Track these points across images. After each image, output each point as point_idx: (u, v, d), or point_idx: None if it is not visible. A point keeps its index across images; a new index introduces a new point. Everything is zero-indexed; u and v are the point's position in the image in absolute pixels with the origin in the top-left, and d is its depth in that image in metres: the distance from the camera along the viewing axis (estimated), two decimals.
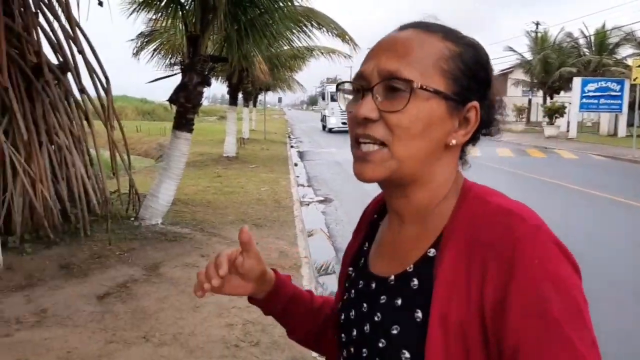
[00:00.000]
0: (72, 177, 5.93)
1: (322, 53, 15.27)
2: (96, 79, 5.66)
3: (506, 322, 0.63)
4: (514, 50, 36.77)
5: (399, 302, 0.75)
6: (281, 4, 6.28)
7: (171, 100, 6.26)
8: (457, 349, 0.67)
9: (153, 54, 10.78)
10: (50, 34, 5.65)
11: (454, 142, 0.75)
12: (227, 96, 16.74)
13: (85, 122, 6.24)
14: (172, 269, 5.13)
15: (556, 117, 26.98)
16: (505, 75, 43.90)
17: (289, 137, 27.94)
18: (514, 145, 21.31)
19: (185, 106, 6.26)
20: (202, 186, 10.19)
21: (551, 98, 33.92)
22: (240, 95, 18.33)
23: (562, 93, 34.58)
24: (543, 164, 15.49)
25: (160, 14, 6.63)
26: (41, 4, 5.44)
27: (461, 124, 0.75)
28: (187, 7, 6.42)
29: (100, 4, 5.05)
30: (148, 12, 6.95)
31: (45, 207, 5.49)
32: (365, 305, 0.81)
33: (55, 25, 5.55)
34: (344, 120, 15.69)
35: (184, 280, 4.82)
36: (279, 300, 0.97)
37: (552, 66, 33.04)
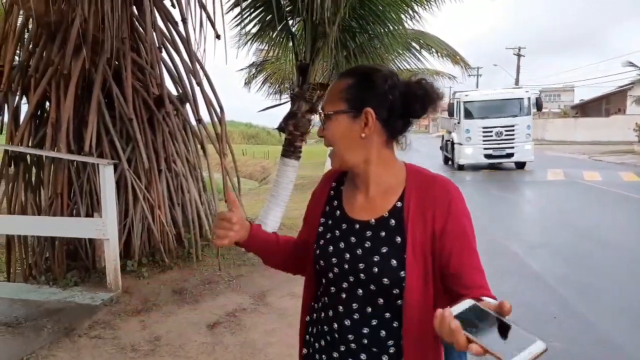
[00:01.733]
0: (187, 202, 6.13)
1: (425, 75, 14.87)
2: (212, 109, 5.84)
3: (445, 238, 1.17)
4: (635, 65, 33.63)
5: (383, 233, 1.23)
6: (391, 27, 6.13)
7: (280, 128, 6.31)
8: (419, 253, 1.18)
9: (263, 83, 11.11)
10: (172, 67, 5.94)
11: (363, 135, 1.22)
12: None
13: (200, 149, 6.47)
14: (280, 299, 5.07)
15: None
16: (624, 92, 40.36)
17: None
18: (639, 168, 19.32)
19: (293, 134, 6.27)
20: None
21: None
22: None
23: None
24: None
25: (272, 43, 6.75)
26: (164, 39, 5.73)
27: (366, 123, 1.21)
28: (297, 37, 6.48)
29: (218, 37, 5.22)
30: (260, 43, 7.12)
31: (162, 232, 5.71)
32: (352, 239, 1.27)
33: (176, 58, 5.83)
34: (492, 150, 14.71)
35: (292, 312, 4.72)
36: (256, 241, 1.42)
37: None
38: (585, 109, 48.32)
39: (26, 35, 5.82)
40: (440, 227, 1.17)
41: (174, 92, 6.13)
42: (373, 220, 1.25)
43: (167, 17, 5.73)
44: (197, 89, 5.67)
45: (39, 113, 5.80)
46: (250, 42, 6.98)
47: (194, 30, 5.33)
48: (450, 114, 19.24)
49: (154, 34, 5.44)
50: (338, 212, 1.34)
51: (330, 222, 1.34)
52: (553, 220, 9.40)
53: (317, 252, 1.33)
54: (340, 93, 1.23)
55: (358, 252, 1.24)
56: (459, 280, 1.16)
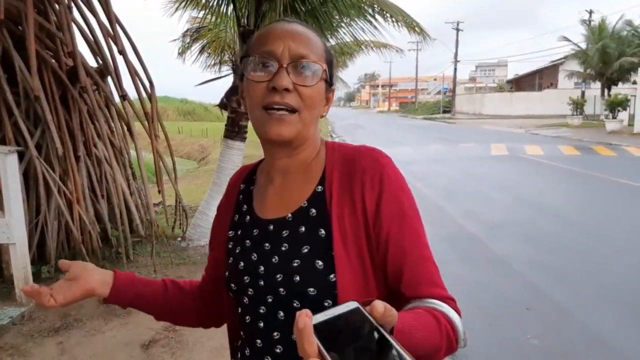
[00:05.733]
0: (113, 193, 5.26)
1: (372, 48, 14.20)
2: (139, 83, 4.94)
3: (381, 220, 0.92)
4: (569, 40, 34.59)
5: (303, 229, 0.95)
6: None
7: (222, 105, 5.50)
8: (352, 246, 0.92)
9: (200, 53, 10.08)
10: (87, 31, 4.96)
11: (324, 113, 1.01)
12: None
13: (126, 130, 5.56)
14: None
15: (619, 111, 25.08)
16: (556, 66, 41.70)
17: (331, 135, 26.73)
18: (575, 141, 19.81)
19: (237, 112, 5.48)
20: None
21: (609, 90, 31.77)
22: None
23: (620, 84, 32.37)
24: (615, 163, 14.06)
25: (209, 7, 5.85)
26: None
27: (326, 102, 1.00)
28: None
29: None
30: (194, 8, 6.21)
31: (82, 230, 4.83)
32: (266, 245, 0.97)
33: (93, 21, 4.85)
34: None
35: None
36: (126, 292, 1.11)
37: (611, 56, 30.83)
38: (520, 83, 49.83)
39: None
40: (373, 207, 0.92)
41: (91, 63, 5.16)
42: (290, 215, 0.97)
43: None
44: (119, 59, 4.75)
45: None
46: (184, 7, 6.05)
47: None
48: None
49: None
50: (248, 217, 1.04)
51: (239, 232, 1.05)
52: (510, 199, 9.17)
53: (227, 274, 1.03)
54: (322, 51, 0.97)
55: (274, 260, 0.95)
56: (400, 275, 0.91)
